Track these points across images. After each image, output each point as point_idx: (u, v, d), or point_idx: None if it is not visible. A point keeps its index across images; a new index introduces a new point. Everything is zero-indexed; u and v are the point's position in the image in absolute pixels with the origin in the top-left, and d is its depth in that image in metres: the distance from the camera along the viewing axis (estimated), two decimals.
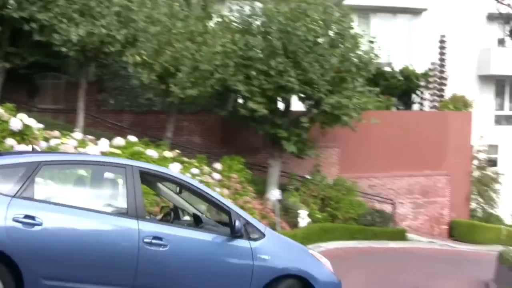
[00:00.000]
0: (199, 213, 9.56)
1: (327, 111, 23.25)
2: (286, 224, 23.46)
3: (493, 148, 41.41)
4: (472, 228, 33.14)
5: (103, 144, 18.81)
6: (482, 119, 41.14)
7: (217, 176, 21.64)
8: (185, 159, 21.14)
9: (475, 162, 38.11)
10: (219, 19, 23.48)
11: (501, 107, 44.33)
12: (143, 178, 8.69)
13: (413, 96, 36.68)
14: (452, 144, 32.48)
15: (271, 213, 23.13)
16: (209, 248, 8.58)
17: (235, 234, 8.61)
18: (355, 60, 23.94)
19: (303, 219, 23.94)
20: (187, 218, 9.65)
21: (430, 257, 24.31)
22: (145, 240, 8.09)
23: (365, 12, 36.46)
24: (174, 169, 19.10)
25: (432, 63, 35.17)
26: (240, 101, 24.25)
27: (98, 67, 26.09)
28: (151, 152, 19.43)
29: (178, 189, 9.69)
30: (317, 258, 9.52)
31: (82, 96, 22.21)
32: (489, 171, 38.63)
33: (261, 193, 24.22)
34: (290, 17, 22.77)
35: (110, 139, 19.74)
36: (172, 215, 9.47)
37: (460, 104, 34.75)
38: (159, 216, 9.70)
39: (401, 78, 35.51)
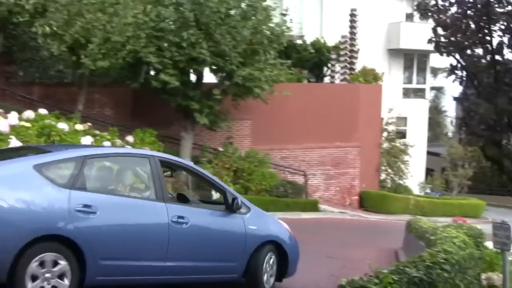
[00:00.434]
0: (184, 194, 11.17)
1: (239, 83, 23.29)
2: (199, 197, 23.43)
3: (402, 120, 42.35)
4: (382, 199, 33.89)
5: (13, 117, 18.34)
6: (391, 92, 41.99)
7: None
8: (97, 132, 20.86)
9: (385, 134, 38.92)
10: None
11: (409, 81, 45.31)
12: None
13: (325, 68, 37.10)
14: (362, 116, 33.01)
15: (184, 185, 23.07)
16: (215, 222, 10.36)
17: (232, 209, 10.47)
18: (267, 32, 24.00)
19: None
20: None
21: (342, 227, 24.76)
22: (173, 219, 9.53)
23: None
24: (86, 142, 18.85)
25: (343, 36, 35.54)
26: (152, 73, 24.06)
27: (7, 38, 25.34)
28: (62, 125, 19.08)
29: (169, 173, 10.93)
30: (283, 225, 11.71)
31: None
32: (398, 143, 39.49)
33: None
34: None
35: (20, 112, 19.29)
36: (177, 196, 10.94)
37: (370, 77, 35.29)
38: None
39: (312, 51, 35.86)
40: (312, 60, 35.79)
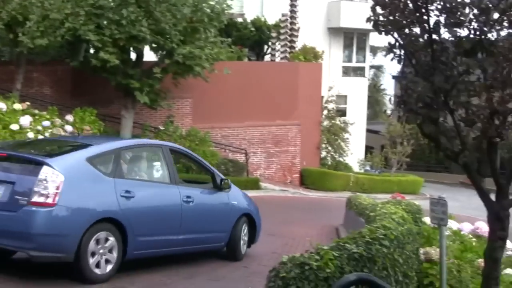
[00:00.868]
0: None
1: (180, 61, 23.15)
2: None
3: (342, 98, 42.67)
4: (322, 176, 34.20)
5: None
6: (331, 70, 42.25)
7: (69, 128, 21.18)
8: (36, 111, 20.60)
9: (325, 112, 39.18)
10: None
11: (349, 59, 45.65)
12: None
13: (265, 47, 37.12)
14: (303, 94, 33.18)
15: (125, 164, 22.94)
16: (210, 199, 12.38)
17: (220, 188, 12.52)
18: (207, 10, 23.88)
19: (158, 171, 23.89)
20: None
21: (283, 205, 24.92)
22: (184, 199, 11.45)
23: None
24: (25, 122, 18.62)
25: (283, 15, 35.59)
26: (92, 51, 23.76)
27: None
28: (0, 105, 18.80)
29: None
30: (250, 198, 14.00)
31: None
32: (338, 120, 39.81)
33: None
34: None
35: None
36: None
37: (310, 55, 35.47)
38: None
39: (253, 29, 35.82)
40: (252, 39, 35.78)
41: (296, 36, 35.83)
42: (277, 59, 35.59)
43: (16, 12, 20.15)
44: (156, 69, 23.46)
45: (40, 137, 18.44)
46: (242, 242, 12.99)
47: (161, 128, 26.95)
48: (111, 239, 9.95)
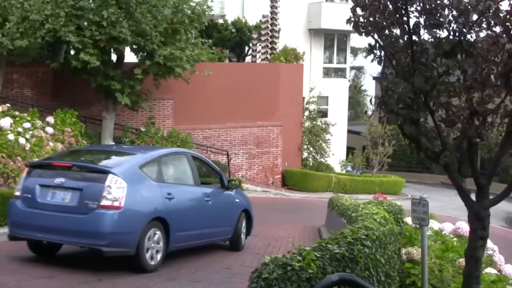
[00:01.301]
0: None
1: (160, 62, 23.13)
2: None
3: (323, 99, 42.75)
4: (304, 177, 34.28)
5: None
6: (312, 71, 42.33)
7: (50, 130, 21.05)
8: (17, 113, 20.46)
9: (306, 113, 39.24)
10: None
11: (330, 60, 45.72)
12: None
13: (246, 48, 37.13)
14: (284, 95, 33.24)
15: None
16: (221, 197, 14.17)
17: (227, 188, 14.40)
18: (188, 11, 23.87)
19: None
20: None
21: (265, 206, 24.92)
22: (205, 199, 13.39)
23: None
24: (5, 123, 18.49)
25: (264, 16, 35.62)
26: (72, 52, 23.68)
27: None
28: None
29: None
30: (246, 195, 15.96)
31: None
32: (320, 121, 39.87)
33: None
34: None
35: None
36: None
37: (291, 56, 35.53)
38: None
39: (234, 30, 35.84)
40: (233, 40, 35.81)
41: (277, 37, 35.88)
42: (258, 60, 35.62)
43: None
44: (137, 70, 23.42)
45: (22, 139, 18.31)
46: (242, 234, 14.91)
47: (143, 129, 26.89)
48: (158, 233, 11.70)
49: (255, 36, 35.68)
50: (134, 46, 23.67)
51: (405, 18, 8.15)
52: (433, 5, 7.92)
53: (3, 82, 22.66)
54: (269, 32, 35.47)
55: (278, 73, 33.39)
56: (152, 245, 11.56)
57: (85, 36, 21.85)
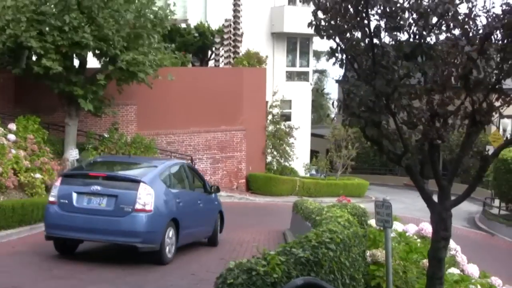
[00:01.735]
0: None
1: (123, 68, 22.98)
2: None
3: (286, 103, 42.83)
4: (268, 181, 34.31)
5: None
6: (275, 75, 42.40)
7: (12, 137, 20.84)
8: None
9: (270, 117, 39.30)
10: None
11: (293, 64, 45.84)
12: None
13: (209, 52, 37.10)
14: (247, 99, 33.24)
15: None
16: (207, 201, 16.41)
17: (210, 192, 16.65)
18: (151, 16, 23.78)
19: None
20: None
21: (230, 210, 24.73)
22: (198, 202, 15.72)
23: None
24: None
25: (227, 20, 35.61)
26: (34, 58, 23.44)
27: None
28: None
29: None
30: (219, 198, 17.90)
31: None
32: (283, 125, 39.93)
33: (59, 153, 23.68)
34: None
35: None
36: None
37: (254, 60, 35.57)
38: None
39: (196, 34, 35.79)
40: (196, 44, 35.76)
41: (240, 41, 35.89)
42: (221, 65, 35.59)
43: None
44: (100, 75, 23.24)
45: None
46: (219, 232, 17.23)
47: (106, 135, 26.71)
48: (172, 231, 13.85)
49: (218, 40, 35.65)
50: (97, 51, 23.50)
51: (366, 21, 8.20)
52: (393, 8, 7.99)
53: None
54: (232, 36, 35.47)
55: (241, 77, 33.38)
56: (168, 241, 13.65)
57: (47, 41, 21.65)
